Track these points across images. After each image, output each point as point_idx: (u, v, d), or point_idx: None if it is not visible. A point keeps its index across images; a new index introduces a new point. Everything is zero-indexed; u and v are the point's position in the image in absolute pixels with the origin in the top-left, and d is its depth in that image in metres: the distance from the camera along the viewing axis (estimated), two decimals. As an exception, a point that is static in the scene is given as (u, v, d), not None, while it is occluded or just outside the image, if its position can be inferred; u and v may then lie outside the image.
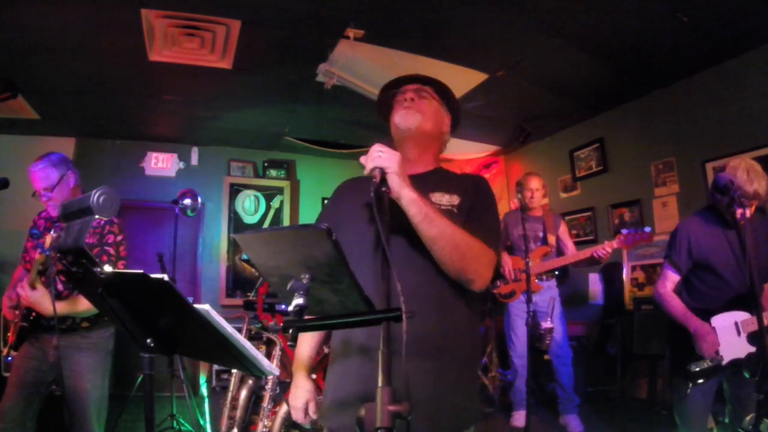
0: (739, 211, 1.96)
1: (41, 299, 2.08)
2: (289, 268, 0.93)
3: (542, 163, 5.48)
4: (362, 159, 1.15)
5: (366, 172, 1.12)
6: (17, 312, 2.22)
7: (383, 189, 1.09)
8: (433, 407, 1.16)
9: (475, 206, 1.32)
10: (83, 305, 2.11)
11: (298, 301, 0.89)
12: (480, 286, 1.24)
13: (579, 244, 4.54)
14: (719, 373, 2.13)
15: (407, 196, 1.13)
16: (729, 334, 2.11)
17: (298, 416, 1.41)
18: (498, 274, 3.86)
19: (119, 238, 2.27)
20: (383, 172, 1.10)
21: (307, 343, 1.48)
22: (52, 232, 2.09)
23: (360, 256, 1.23)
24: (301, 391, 1.41)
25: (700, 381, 2.12)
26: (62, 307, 2.08)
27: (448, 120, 1.50)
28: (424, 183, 1.26)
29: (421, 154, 1.42)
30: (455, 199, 1.32)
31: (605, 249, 3.31)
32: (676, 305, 2.24)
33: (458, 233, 1.17)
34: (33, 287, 2.09)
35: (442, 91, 1.48)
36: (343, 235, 1.05)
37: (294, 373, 1.46)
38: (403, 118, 1.38)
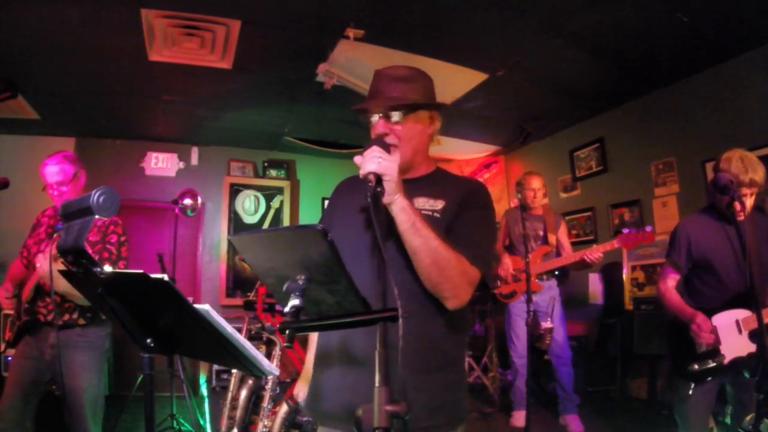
0: (739, 208, 1.96)
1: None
2: (285, 269, 0.93)
3: (542, 163, 5.48)
4: (357, 159, 1.14)
5: (361, 174, 1.11)
6: (17, 304, 2.23)
7: (378, 190, 1.09)
8: (417, 409, 1.16)
9: (464, 216, 1.26)
10: None
11: (295, 302, 0.89)
12: (455, 306, 1.20)
13: (579, 244, 4.54)
14: (721, 374, 2.11)
15: (399, 203, 1.12)
16: (730, 333, 2.09)
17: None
18: (494, 277, 3.86)
19: (122, 239, 2.30)
20: (378, 177, 1.09)
21: (315, 346, 1.48)
22: None
23: (356, 257, 1.23)
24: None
25: (702, 381, 2.10)
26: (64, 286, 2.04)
27: (434, 113, 1.36)
28: (415, 187, 1.25)
29: (413, 163, 1.35)
30: (439, 204, 1.28)
31: (595, 253, 3.33)
32: (674, 298, 2.25)
33: (441, 248, 1.13)
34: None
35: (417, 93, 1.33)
36: (340, 235, 1.05)
37: (303, 374, 1.52)
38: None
